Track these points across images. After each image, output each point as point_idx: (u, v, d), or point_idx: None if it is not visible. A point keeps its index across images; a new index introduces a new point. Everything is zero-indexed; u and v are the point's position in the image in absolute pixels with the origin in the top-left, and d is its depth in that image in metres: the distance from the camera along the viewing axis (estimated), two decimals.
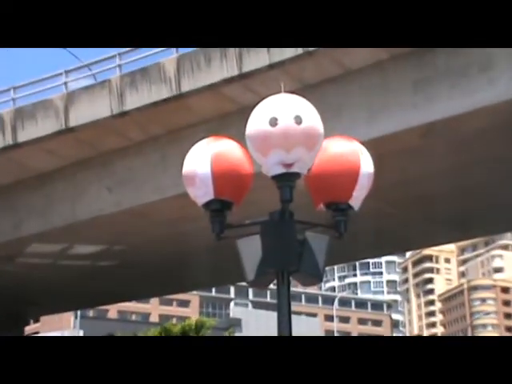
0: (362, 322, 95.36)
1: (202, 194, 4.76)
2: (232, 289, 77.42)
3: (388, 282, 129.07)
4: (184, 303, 71.80)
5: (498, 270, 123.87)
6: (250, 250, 4.74)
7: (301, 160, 4.48)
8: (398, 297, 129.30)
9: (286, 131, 4.40)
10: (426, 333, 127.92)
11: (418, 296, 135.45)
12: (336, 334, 79.22)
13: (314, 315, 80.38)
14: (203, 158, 4.73)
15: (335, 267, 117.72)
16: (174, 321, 43.56)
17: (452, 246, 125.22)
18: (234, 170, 4.70)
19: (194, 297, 71.77)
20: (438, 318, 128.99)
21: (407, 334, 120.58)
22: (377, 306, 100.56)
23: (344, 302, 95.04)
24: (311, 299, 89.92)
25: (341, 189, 4.70)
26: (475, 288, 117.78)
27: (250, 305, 76.87)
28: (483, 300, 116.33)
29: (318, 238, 4.73)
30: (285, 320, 4.59)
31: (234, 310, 68.63)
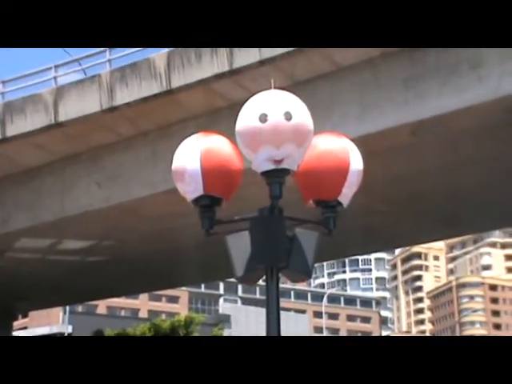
0: (350, 318, 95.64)
1: (192, 189, 4.75)
2: (221, 285, 77.41)
3: (377, 278, 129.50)
4: (173, 299, 71.74)
5: (487, 267, 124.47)
6: (239, 245, 4.74)
7: (290, 156, 4.48)
8: (386, 294, 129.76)
9: (276, 127, 4.39)
10: (414, 330, 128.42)
11: (406, 293, 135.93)
12: (325, 331, 79.39)
13: (303, 312, 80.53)
14: (193, 154, 4.71)
15: (324, 264, 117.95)
16: (164, 317, 43.54)
17: (441, 244, 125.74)
18: (223, 166, 4.69)
19: (183, 293, 71.71)
20: (427, 315, 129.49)
21: (396, 331, 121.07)
22: (366, 302, 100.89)
23: (333, 299, 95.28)
24: (300, 296, 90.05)
25: (330, 186, 4.69)
26: (463, 285, 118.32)
27: (239, 301, 76.88)
28: (471, 297, 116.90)
29: (308, 234, 4.72)
30: (273, 316, 4.58)
31: (223, 306, 68.63)
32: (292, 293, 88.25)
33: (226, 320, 54.23)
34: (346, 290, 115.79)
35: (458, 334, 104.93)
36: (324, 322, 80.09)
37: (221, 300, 76.80)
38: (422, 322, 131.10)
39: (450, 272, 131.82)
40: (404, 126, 12.91)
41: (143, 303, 69.42)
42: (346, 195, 4.78)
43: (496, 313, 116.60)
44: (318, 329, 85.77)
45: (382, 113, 13.08)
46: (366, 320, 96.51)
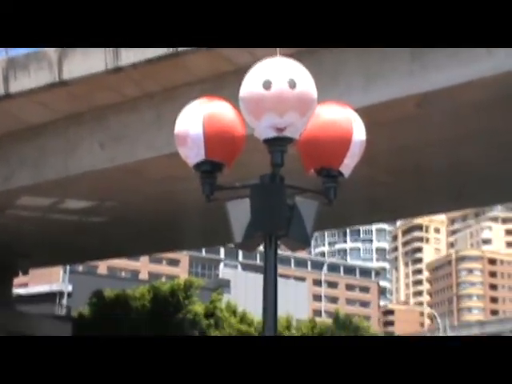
0: (349, 287, 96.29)
1: (194, 154, 4.76)
2: (222, 250, 77.78)
3: (377, 249, 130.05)
4: (173, 262, 72.16)
5: (487, 241, 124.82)
6: (239, 212, 4.75)
7: (293, 125, 4.47)
8: (386, 264, 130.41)
9: (280, 95, 4.38)
10: (412, 301, 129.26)
11: (406, 264, 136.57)
12: (323, 299, 80.00)
13: (303, 279, 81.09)
14: (196, 119, 4.71)
15: (326, 233, 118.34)
16: (163, 279, 43.83)
17: (442, 217, 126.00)
18: (226, 131, 4.69)
19: (183, 256, 72.12)
20: (425, 286, 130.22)
21: (394, 302, 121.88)
22: (365, 272, 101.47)
23: (333, 268, 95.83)
24: (300, 263, 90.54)
25: (332, 155, 4.69)
26: (463, 258, 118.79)
27: (239, 266, 77.31)
28: (470, 270, 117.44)
29: (308, 203, 4.73)
30: (271, 283, 4.61)
31: (224, 271, 69.04)
32: (292, 260, 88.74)
33: (225, 285, 54.54)
34: (346, 260, 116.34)
35: (455, 307, 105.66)
36: (323, 290, 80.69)
37: (221, 265, 77.26)
38: (420, 293, 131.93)
39: (450, 245, 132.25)
40: (410, 97, 12.83)
41: (144, 265, 69.90)
42: (347, 165, 4.78)
43: (494, 286, 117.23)
44: (317, 297, 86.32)
45: (387, 84, 12.99)
46: (365, 290, 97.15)
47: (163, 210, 19.41)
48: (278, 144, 4.54)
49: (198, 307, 30.14)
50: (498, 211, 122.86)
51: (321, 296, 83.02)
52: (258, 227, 4.66)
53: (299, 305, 54.89)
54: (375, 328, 63.18)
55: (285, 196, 4.68)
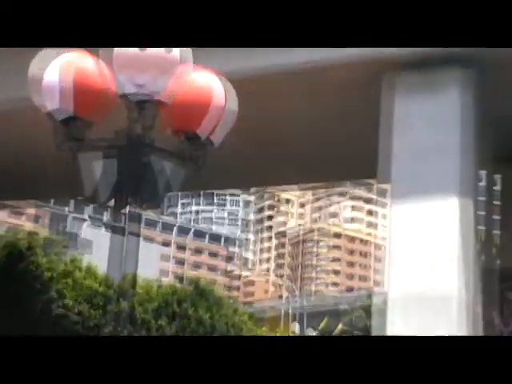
0: (212, 255, 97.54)
1: (47, 102, 4.63)
2: (72, 203, 75.03)
3: (243, 220, 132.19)
4: (34, 219, 69.84)
5: (349, 219, 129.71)
6: (92, 167, 4.66)
7: (152, 83, 4.46)
8: (250, 235, 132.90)
9: (140, 53, 4.36)
10: (271, 273, 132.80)
11: (269, 237, 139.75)
12: (186, 264, 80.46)
13: (168, 244, 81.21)
14: (52, 67, 4.58)
15: (191, 199, 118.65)
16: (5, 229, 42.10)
17: (308, 192, 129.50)
18: (83, 82, 4.57)
19: (45, 212, 69.88)
20: (286, 260, 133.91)
21: (252, 272, 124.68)
22: (229, 241, 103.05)
23: (198, 234, 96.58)
24: (165, 226, 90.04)
25: (190, 119, 4.73)
26: (324, 234, 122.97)
27: (88, 221, 75.41)
28: (329, 247, 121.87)
29: (164, 165, 4.72)
30: (116, 242, 4.56)
31: (86, 231, 67.56)
32: (159, 223, 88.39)
33: (88, 245, 53.52)
34: (211, 228, 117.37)
35: (314, 281, 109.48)
36: (187, 256, 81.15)
37: (70, 218, 74.84)
38: (279, 265, 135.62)
39: (313, 220, 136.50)
40: (280, 72, 13.08)
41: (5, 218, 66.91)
42: (208, 131, 4.81)
43: (351, 264, 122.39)
44: (180, 261, 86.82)
45: (261, 55, 13.11)
46: (227, 258, 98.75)
47: (25, 158, 18.68)
48: (135, 99, 4.49)
49: (43, 260, 29.31)
50: (347, 187, 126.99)
51: (184, 261, 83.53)
52: (108, 184, 4.58)
53: (152, 267, 54.84)
54: (234, 295, 64.39)
55: (139, 154, 4.62)
